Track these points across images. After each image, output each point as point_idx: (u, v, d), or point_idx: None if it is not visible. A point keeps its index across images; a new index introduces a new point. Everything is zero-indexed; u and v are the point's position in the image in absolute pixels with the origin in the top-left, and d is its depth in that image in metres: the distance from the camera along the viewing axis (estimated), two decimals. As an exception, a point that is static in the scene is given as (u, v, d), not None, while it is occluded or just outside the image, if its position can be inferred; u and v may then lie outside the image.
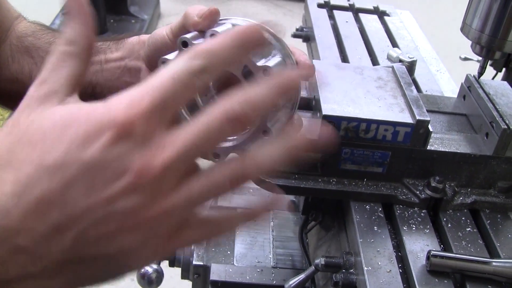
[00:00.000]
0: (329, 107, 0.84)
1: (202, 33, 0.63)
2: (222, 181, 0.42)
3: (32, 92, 0.42)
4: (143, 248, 0.41)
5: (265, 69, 0.55)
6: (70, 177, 0.37)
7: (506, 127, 0.86)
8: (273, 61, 0.58)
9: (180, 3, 5.07)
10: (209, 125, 0.40)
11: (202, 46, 0.42)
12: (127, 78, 0.78)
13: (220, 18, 0.65)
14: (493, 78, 1.15)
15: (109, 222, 0.38)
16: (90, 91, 0.80)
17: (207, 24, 0.64)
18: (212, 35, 0.60)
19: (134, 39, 0.79)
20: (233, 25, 0.63)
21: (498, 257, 0.81)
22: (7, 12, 0.90)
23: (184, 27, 0.67)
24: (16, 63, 0.86)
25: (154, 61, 0.71)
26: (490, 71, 1.25)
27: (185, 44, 0.60)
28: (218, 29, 0.61)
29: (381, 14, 1.49)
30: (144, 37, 0.78)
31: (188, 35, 0.61)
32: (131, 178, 0.38)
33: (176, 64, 0.41)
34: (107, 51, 0.81)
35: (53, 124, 0.39)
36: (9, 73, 0.86)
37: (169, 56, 0.60)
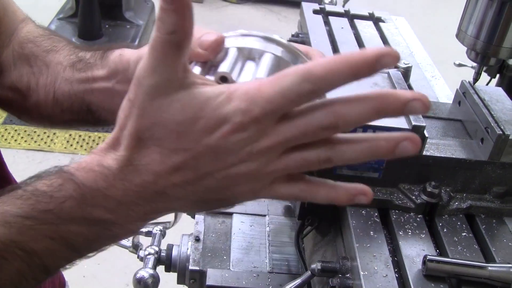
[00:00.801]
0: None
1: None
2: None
3: (143, 79, 0.51)
4: (252, 193, 0.55)
5: None
6: (198, 154, 0.51)
7: (501, 132, 0.87)
8: None
9: (175, 9, 5.07)
10: (306, 129, 0.50)
11: (314, 70, 0.48)
12: (118, 102, 0.75)
13: None
14: (487, 84, 1.16)
15: (227, 179, 0.53)
16: (86, 109, 0.79)
17: (213, 56, 0.61)
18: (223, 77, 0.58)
19: (116, 58, 0.76)
20: (238, 49, 0.60)
21: (494, 261, 0.81)
22: (12, 15, 0.88)
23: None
24: (16, 70, 0.84)
25: None
26: (484, 76, 1.26)
27: (225, 79, 0.57)
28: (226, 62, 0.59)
29: (376, 21, 1.50)
30: (127, 55, 0.75)
31: (224, 69, 0.58)
32: (242, 156, 0.51)
33: (287, 82, 0.48)
34: (94, 67, 0.78)
35: (183, 117, 0.50)
36: (9, 80, 0.85)
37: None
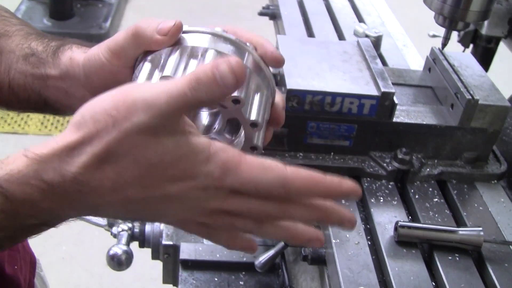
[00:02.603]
0: (293, 82, 0.83)
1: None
2: (262, 210, 0.55)
3: (141, 111, 0.49)
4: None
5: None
6: (153, 196, 0.52)
7: (470, 97, 0.87)
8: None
9: (148, -13, 5.01)
10: (253, 211, 0.54)
11: (294, 181, 0.52)
12: (74, 101, 0.71)
13: None
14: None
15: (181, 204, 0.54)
16: (43, 103, 0.76)
17: (173, 41, 0.59)
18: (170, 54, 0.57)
19: (67, 61, 0.72)
20: (193, 47, 0.58)
21: (465, 225, 0.82)
22: None
23: (132, 45, 0.62)
24: None
25: (94, 86, 0.66)
26: (459, 48, 1.26)
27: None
28: (178, 52, 0.58)
29: (347, -9, 1.49)
30: (76, 58, 0.71)
31: (167, 73, 0.56)
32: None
33: (266, 179, 0.52)
34: (46, 65, 0.75)
35: (160, 161, 0.50)
36: None
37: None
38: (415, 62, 1.25)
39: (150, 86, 0.51)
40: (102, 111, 0.49)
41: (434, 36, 1.36)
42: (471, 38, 1.28)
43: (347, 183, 0.53)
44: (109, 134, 0.48)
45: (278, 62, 0.63)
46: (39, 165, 0.49)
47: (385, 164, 0.88)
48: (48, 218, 0.53)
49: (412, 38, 1.40)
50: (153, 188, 0.51)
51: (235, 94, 0.54)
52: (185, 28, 0.60)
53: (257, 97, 0.58)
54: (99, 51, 0.65)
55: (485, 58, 1.26)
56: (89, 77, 0.67)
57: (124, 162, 0.49)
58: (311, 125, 0.85)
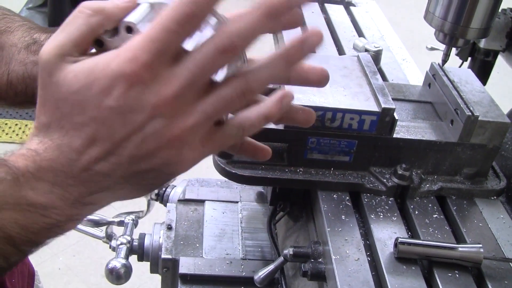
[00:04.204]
0: (294, 97, 0.83)
1: None
2: (230, 96, 0.51)
3: (41, 54, 0.51)
4: (182, 157, 0.52)
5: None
6: (105, 120, 0.49)
7: (470, 114, 0.87)
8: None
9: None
10: (204, 59, 0.49)
11: None
12: None
13: None
14: (459, 67, 1.16)
15: (147, 143, 0.50)
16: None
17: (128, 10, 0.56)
18: (128, 27, 0.53)
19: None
20: (150, 4, 0.54)
21: (465, 242, 0.82)
22: None
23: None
24: None
25: None
26: (456, 60, 1.27)
27: (130, 29, 0.53)
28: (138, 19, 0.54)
29: (346, 4, 1.49)
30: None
31: (131, 19, 0.53)
32: (149, 110, 0.48)
33: (166, 16, 0.48)
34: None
35: (78, 84, 0.49)
36: None
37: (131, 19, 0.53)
38: (415, 76, 1.25)
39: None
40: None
41: (432, 49, 1.36)
42: (469, 52, 1.28)
43: None
44: (39, 98, 0.52)
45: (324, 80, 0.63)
46: (27, 141, 0.53)
47: (385, 180, 0.88)
48: (52, 193, 0.52)
49: (410, 50, 1.40)
50: (99, 112, 0.49)
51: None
52: None
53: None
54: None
55: (483, 71, 1.26)
56: None
57: (62, 108, 0.50)
58: (312, 140, 0.85)
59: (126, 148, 0.50)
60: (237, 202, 1.13)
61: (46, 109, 0.51)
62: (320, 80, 0.61)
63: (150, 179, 0.54)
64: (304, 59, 0.54)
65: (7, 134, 3.38)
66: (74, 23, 0.52)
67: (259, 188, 1.15)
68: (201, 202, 1.12)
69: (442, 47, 0.98)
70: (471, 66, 1.28)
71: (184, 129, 0.50)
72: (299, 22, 0.57)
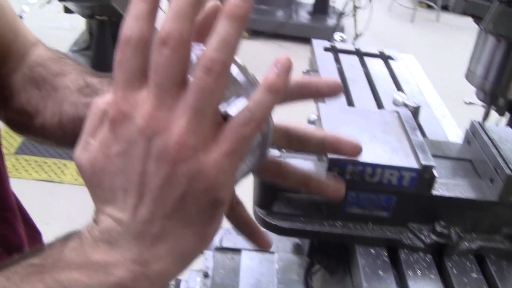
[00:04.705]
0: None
1: None
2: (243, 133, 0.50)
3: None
4: (200, 165, 0.49)
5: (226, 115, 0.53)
6: (122, 167, 0.49)
7: (510, 173, 0.87)
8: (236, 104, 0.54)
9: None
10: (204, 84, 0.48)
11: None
12: None
13: None
14: (497, 124, 1.16)
15: (160, 165, 0.48)
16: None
17: None
18: None
19: None
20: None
21: (504, 304, 0.81)
22: (23, 39, 0.90)
23: None
24: (26, 93, 0.86)
25: None
26: (494, 115, 1.27)
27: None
28: None
29: (386, 58, 1.51)
30: None
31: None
32: (139, 134, 0.48)
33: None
34: (99, 93, 0.79)
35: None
36: (19, 103, 0.86)
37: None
38: (453, 132, 1.25)
39: None
40: None
41: (470, 103, 1.37)
42: (507, 108, 1.28)
43: None
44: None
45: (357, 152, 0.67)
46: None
47: (423, 236, 0.88)
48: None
49: (448, 103, 1.40)
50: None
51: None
52: None
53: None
54: None
55: (521, 127, 1.26)
56: None
57: None
58: (351, 195, 0.86)
59: (148, 182, 0.49)
60: (273, 252, 1.13)
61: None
62: (332, 93, 0.62)
63: (192, 208, 0.51)
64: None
65: (46, 172, 3.44)
66: None
67: (296, 239, 1.16)
68: (238, 251, 1.13)
69: (480, 101, 0.98)
70: (509, 122, 1.28)
71: (180, 133, 0.48)
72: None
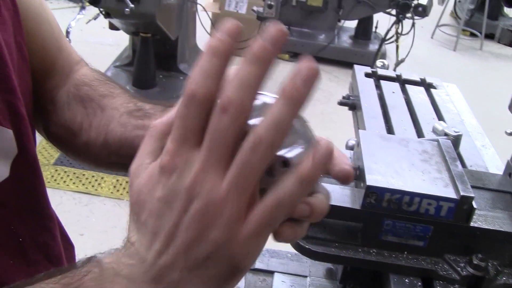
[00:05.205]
0: (373, 178, 0.85)
1: None
2: (290, 193, 0.48)
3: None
4: (228, 236, 0.49)
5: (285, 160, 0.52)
6: (157, 212, 0.50)
7: (552, 208, 0.85)
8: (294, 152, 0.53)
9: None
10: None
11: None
12: None
13: None
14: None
15: (193, 226, 0.49)
16: (133, 154, 0.80)
17: None
18: None
19: None
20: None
21: None
22: (68, 56, 0.92)
23: None
24: (70, 111, 0.88)
25: None
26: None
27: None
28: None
29: (427, 86, 1.50)
30: None
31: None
32: (184, 193, 0.48)
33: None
34: (153, 117, 0.80)
35: (141, 184, 0.53)
36: (62, 120, 0.88)
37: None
38: (494, 163, 1.24)
39: None
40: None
41: (511, 134, 1.34)
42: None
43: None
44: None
45: (347, 179, 0.60)
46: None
47: (459, 269, 0.87)
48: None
49: (489, 133, 1.39)
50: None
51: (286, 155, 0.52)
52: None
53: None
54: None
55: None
56: None
57: None
58: (387, 223, 0.85)
59: (179, 236, 0.49)
60: (306, 276, 1.13)
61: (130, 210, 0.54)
62: (340, 180, 0.60)
63: (213, 269, 0.50)
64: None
65: (83, 184, 3.49)
66: None
67: (329, 264, 1.15)
68: (271, 273, 1.13)
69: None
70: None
71: (220, 202, 0.48)
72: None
